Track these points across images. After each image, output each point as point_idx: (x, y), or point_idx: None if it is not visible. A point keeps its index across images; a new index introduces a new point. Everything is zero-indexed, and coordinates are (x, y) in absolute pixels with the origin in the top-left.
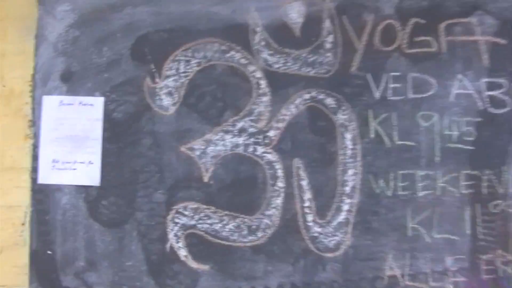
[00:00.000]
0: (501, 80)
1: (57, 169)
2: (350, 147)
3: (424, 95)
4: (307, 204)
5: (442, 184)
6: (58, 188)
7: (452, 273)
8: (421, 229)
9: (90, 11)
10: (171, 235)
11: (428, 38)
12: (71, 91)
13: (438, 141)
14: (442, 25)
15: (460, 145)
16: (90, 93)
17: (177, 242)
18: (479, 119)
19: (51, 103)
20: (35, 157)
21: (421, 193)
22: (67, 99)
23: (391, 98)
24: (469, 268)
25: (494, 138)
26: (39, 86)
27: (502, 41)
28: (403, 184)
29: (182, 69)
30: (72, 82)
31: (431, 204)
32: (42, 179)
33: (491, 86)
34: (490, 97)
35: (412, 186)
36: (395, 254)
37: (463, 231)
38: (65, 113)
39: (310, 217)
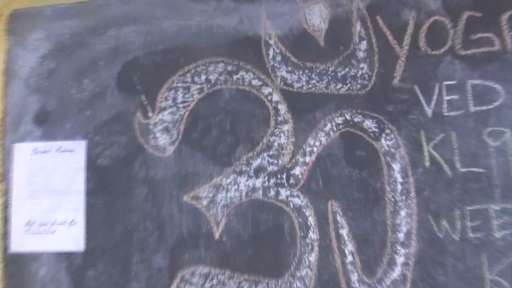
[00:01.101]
0: None
1: (32, 233)
2: (400, 180)
3: (489, 107)
4: (349, 259)
5: None
6: (34, 257)
7: None
8: (504, 282)
9: (68, 37)
10: None
11: (487, 34)
12: (47, 136)
13: None
14: (504, 17)
15: None
16: (70, 136)
17: None
18: None
19: (23, 152)
20: (6, 220)
21: (498, 234)
22: (42, 145)
23: (448, 113)
24: None
25: None
26: (9, 132)
27: None
28: (473, 223)
29: (180, 98)
30: (48, 125)
31: None
32: (15, 246)
33: None
34: None
35: (486, 226)
36: None
37: None
38: (40, 162)
39: (354, 276)
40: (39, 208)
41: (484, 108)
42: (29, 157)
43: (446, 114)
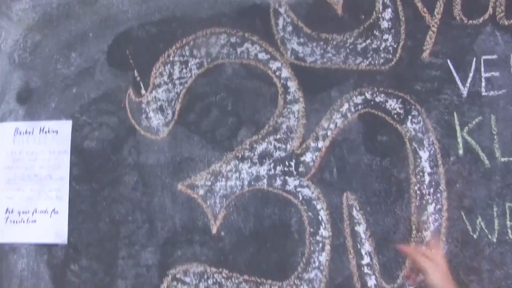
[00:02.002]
0: None
1: (11, 222)
2: (428, 170)
3: None
4: (366, 260)
5: None
6: (12, 248)
7: None
8: None
9: (55, 6)
10: None
11: None
12: (30, 115)
13: None
14: None
15: None
16: (55, 116)
17: None
18: None
19: (4, 133)
20: None
21: None
22: (24, 125)
23: (487, 93)
24: None
25: None
26: None
27: None
28: None
29: (177, 74)
30: (31, 103)
31: None
32: None
33: None
34: None
35: None
36: None
37: None
38: (22, 144)
39: (372, 281)
40: (19, 194)
41: None
42: (10, 138)
43: (484, 94)
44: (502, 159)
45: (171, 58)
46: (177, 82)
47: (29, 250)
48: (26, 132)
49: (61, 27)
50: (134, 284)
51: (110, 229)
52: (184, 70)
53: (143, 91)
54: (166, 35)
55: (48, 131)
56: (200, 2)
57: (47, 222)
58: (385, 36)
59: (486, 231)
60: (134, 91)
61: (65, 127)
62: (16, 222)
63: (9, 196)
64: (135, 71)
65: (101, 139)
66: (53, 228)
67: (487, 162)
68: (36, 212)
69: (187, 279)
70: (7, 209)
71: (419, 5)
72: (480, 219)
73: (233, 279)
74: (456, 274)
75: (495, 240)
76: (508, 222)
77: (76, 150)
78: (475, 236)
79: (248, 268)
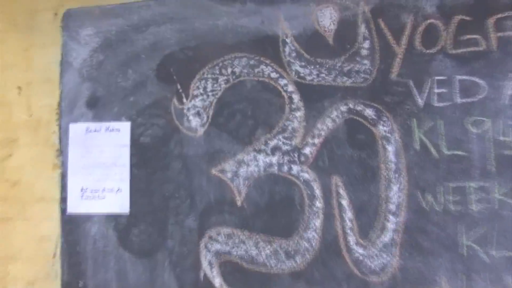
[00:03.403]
0: None
1: (86, 198)
2: (394, 160)
3: (473, 99)
4: (348, 224)
5: (499, 197)
6: (87, 217)
7: None
8: (478, 247)
9: (114, 33)
10: (204, 263)
11: (475, 36)
12: (97, 117)
13: (492, 149)
14: (491, 21)
15: None
16: (117, 118)
17: (211, 270)
18: None
19: (77, 131)
20: (63, 187)
21: (475, 208)
22: (93, 125)
23: (437, 104)
24: None
25: None
26: (66, 113)
27: None
28: (454, 198)
29: (209, 87)
30: (98, 108)
31: (487, 220)
32: (72, 209)
33: None
34: None
35: (465, 200)
36: (449, 276)
37: None
38: (92, 140)
39: (352, 239)
40: (91, 178)
41: (469, 100)
42: (83, 135)
43: (435, 105)
44: (447, 152)
45: (205, 75)
46: (210, 93)
47: (100, 218)
48: (95, 130)
49: (119, 50)
50: (180, 242)
51: (161, 203)
52: (215, 85)
53: (184, 100)
54: (201, 57)
55: (112, 129)
56: (226, 32)
57: (113, 198)
58: (364, 61)
59: (434, 204)
60: (177, 100)
61: (125, 126)
62: (89, 198)
63: (83, 179)
64: (178, 84)
65: (153, 136)
66: (118, 202)
67: (436, 154)
68: (104, 190)
69: (220, 238)
70: (82, 188)
71: (390, 38)
72: (430, 195)
73: (252, 238)
74: (412, 235)
75: (440, 211)
76: (450, 198)
77: (134, 144)
78: (426, 208)
79: (263, 230)
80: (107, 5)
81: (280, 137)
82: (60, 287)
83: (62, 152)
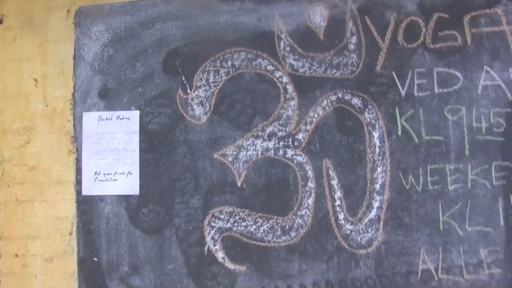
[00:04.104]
0: None
1: (99, 181)
2: (378, 145)
3: (450, 89)
4: (338, 202)
5: (472, 177)
6: (101, 198)
7: (487, 264)
8: (453, 222)
9: (123, 29)
10: (208, 239)
11: (452, 32)
12: (109, 107)
13: (467, 134)
14: (467, 18)
15: (489, 137)
16: (126, 107)
17: (214, 245)
18: (508, 110)
19: (90, 119)
20: (78, 171)
21: (451, 187)
22: (105, 114)
23: (417, 94)
24: (505, 259)
25: None
26: (79, 104)
27: None
28: (432, 178)
29: (211, 79)
30: (109, 98)
31: (462, 197)
32: (86, 190)
33: None
34: None
35: (442, 180)
36: (428, 248)
37: (496, 223)
38: (104, 127)
39: (341, 215)
40: (104, 162)
41: (446, 90)
42: (95, 123)
43: (416, 94)
44: (426, 138)
45: (207, 68)
46: (212, 84)
47: (112, 199)
48: (106, 119)
49: (128, 44)
50: (186, 220)
51: (168, 184)
52: (217, 76)
53: (188, 91)
54: (203, 51)
55: (123, 118)
56: (226, 28)
57: (124, 180)
58: (352, 55)
59: (414, 183)
60: (182, 91)
61: (134, 115)
62: (102, 180)
63: (96, 163)
64: (182, 76)
65: (160, 123)
66: (129, 184)
67: (416, 139)
68: (116, 173)
69: (222, 216)
70: (95, 172)
71: (375, 34)
72: (411, 176)
73: (251, 216)
74: (395, 211)
75: (420, 190)
76: (428, 178)
77: (143, 131)
78: (407, 187)
79: (261, 208)
80: (116, 3)
81: (276, 124)
82: (77, 263)
83: (76, 139)
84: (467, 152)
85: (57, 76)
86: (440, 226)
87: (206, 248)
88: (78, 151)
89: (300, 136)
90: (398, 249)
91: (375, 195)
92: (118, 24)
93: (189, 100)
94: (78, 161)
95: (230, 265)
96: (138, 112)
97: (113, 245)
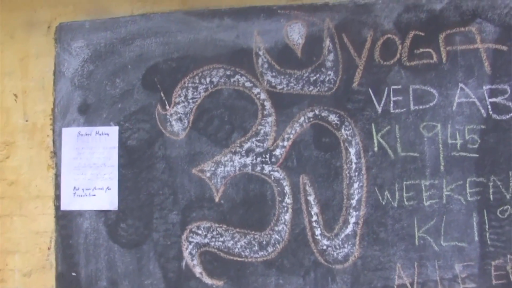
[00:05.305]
0: (504, 86)
1: (78, 196)
2: (355, 161)
3: (426, 106)
4: (314, 218)
5: (448, 193)
6: (80, 213)
7: (462, 279)
8: (429, 237)
9: (103, 45)
10: (186, 254)
11: (428, 49)
12: (88, 122)
13: (442, 151)
14: (442, 36)
15: (464, 153)
16: (106, 123)
17: (192, 260)
18: (482, 126)
19: (70, 135)
20: (57, 186)
21: (427, 203)
22: (84, 130)
23: (394, 111)
24: (479, 274)
25: (499, 144)
26: (59, 119)
27: (503, 48)
28: (408, 194)
29: (190, 95)
30: (89, 114)
31: (437, 213)
32: (65, 205)
33: (494, 93)
34: (493, 103)
35: (418, 196)
36: (403, 263)
37: (471, 238)
38: (83, 143)
39: (318, 231)
40: (83, 177)
41: (421, 107)
42: (75, 138)
43: (392, 111)
44: (402, 154)
45: (186, 84)
46: (191, 101)
47: (91, 214)
48: (86, 134)
49: (108, 60)
50: (164, 235)
51: (146, 199)
52: (195, 93)
53: (167, 107)
54: (182, 68)
55: (102, 133)
56: (206, 45)
57: (103, 195)
58: (329, 72)
59: (390, 199)
60: (161, 107)
61: (113, 131)
62: (81, 196)
63: (75, 178)
64: (162, 92)
65: (139, 139)
66: (108, 199)
67: (392, 155)
68: (95, 189)
69: (199, 231)
70: (74, 187)
71: (352, 51)
72: (387, 191)
73: (229, 231)
74: (371, 227)
75: (396, 206)
76: (404, 194)
77: (122, 146)
78: (383, 203)
79: (239, 224)
80: (97, 19)
81: (254, 140)
82: (55, 278)
83: (56, 154)
84: (442, 168)
85: (37, 91)
86: (416, 241)
87: (184, 263)
88: (58, 166)
89: (277, 152)
90: (374, 264)
91: (351, 210)
92: (98, 40)
93: (168, 116)
94: (57, 176)
95: (208, 280)
96: (117, 127)
97: (92, 260)
